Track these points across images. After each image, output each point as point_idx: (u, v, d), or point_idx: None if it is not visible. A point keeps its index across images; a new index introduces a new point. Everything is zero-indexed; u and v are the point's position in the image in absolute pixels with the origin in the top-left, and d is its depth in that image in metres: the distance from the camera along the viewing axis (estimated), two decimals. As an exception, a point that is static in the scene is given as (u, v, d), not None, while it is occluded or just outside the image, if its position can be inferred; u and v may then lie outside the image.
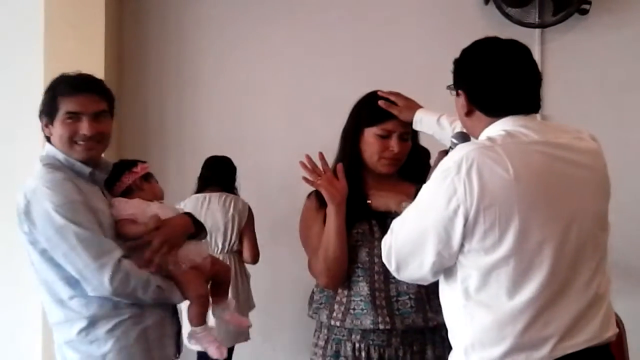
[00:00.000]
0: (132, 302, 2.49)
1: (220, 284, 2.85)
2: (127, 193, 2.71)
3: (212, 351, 2.74)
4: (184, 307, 2.74)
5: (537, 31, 4.76)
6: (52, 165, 2.50)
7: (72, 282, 2.44)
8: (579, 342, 1.97)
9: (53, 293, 2.49)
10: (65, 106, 2.51)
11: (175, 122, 5.09)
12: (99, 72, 2.59)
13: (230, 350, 4.22)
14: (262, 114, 4.97)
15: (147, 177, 2.79)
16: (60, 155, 2.52)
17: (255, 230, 4.40)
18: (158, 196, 2.79)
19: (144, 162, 2.80)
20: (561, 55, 4.76)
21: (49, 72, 4.35)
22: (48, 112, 2.54)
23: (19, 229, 2.47)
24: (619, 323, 3.14)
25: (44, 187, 2.42)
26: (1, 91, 4.75)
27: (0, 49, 4.77)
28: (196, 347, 3.82)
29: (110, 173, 2.68)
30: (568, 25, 4.73)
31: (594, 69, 4.73)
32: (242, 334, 4.22)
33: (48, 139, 2.57)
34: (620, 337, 3.33)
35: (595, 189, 2.07)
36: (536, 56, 4.54)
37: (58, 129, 2.51)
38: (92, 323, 2.47)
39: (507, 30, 4.38)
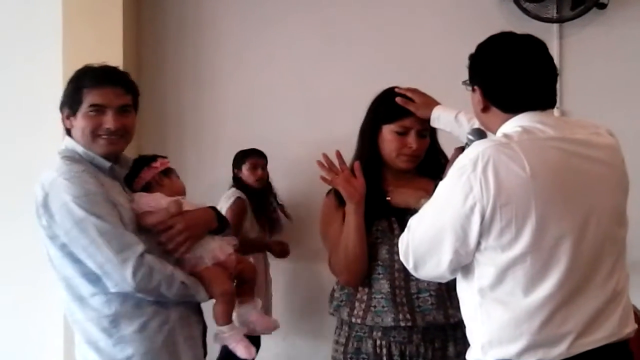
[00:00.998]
0: (155, 299, 2.40)
1: (245, 283, 2.78)
2: (147, 189, 2.65)
3: (240, 351, 2.65)
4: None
5: (555, 26, 4.72)
6: (70, 158, 2.42)
7: (93, 279, 2.35)
8: (597, 338, 1.97)
9: (73, 290, 2.40)
10: (90, 98, 2.43)
11: (193, 119, 5.09)
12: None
13: (257, 343, 4.06)
14: (279, 111, 4.96)
15: (167, 172, 2.73)
16: (80, 149, 2.45)
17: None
18: (179, 192, 2.72)
19: (164, 157, 2.75)
20: (580, 50, 4.72)
21: (68, 68, 4.37)
22: (71, 103, 2.46)
23: (37, 222, 2.39)
24: (639, 318, 3.13)
25: (62, 178, 2.33)
26: (20, 87, 4.78)
27: (19, 45, 4.80)
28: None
29: (130, 169, 2.62)
30: (586, 19, 4.69)
31: (613, 63, 4.69)
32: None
33: (68, 132, 2.50)
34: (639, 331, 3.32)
35: (612, 184, 2.06)
36: (554, 51, 4.57)
37: (81, 122, 2.44)
38: (115, 322, 2.38)
39: (525, 25, 4.36)
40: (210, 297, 2.58)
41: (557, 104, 4.29)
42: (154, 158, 2.73)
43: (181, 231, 2.52)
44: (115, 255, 2.30)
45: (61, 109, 2.51)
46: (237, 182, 4.56)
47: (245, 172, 4.52)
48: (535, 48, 2.10)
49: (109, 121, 2.44)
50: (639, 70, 4.66)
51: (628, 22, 4.68)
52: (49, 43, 4.66)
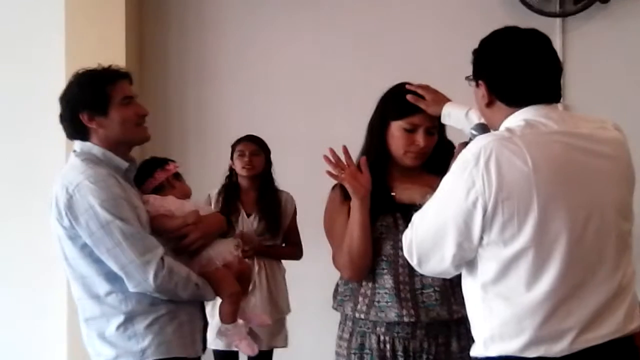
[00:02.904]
0: (170, 298, 2.51)
1: (242, 283, 2.85)
2: (159, 190, 2.73)
3: (243, 348, 2.82)
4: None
5: (559, 20, 4.72)
6: (91, 160, 2.50)
7: (111, 278, 2.46)
8: (601, 334, 1.96)
9: (89, 289, 2.50)
10: (120, 91, 2.54)
11: (196, 116, 5.10)
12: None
13: (269, 355, 4.07)
14: (282, 108, 4.97)
15: (178, 176, 2.82)
16: (98, 150, 2.53)
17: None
18: (187, 195, 2.82)
19: (174, 161, 2.84)
20: (583, 45, 4.72)
21: (70, 68, 4.32)
22: (94, 104, 2.51)
23: (57, 222, 2.46)
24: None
25: (88, 182, 2.41)
26: (23, 86, 4.79)
27: (21, 46, 4.81)
28: (218, 346, 3.87)
29: (141, 169, 2.71)
30: (589, 13, 4.69)
31: (616, 57, 4.69)
32: (275, 339, 4.05)
33: (84, 135, 2.54)
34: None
35: (617, 179, 2.05)
36: (557, 46, 4.53)
37: (119, 114, 2.52)
38: (130, 319, 2.49)
39: (528, 20, 4.36)
40: (218, 297, 2.70)
41: (561, 99, 4.37)
42: (167, 161, 2.81)
43: (198, 239, 2.65)
44: (138, 257, 2.41)
45: (78, 113, 2.52)
46: (230, 175, 4.25)
47: (235, 160, 4.19)
48: (539, 42, 2.10)
49: (141, 108, 2.60)
50: (643, 64, 4.65)
51: (631, 17, 4.68)
52: (51, 42, 4.67)
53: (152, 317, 2.50)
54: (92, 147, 2.53)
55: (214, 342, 3.76)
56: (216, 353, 4.07)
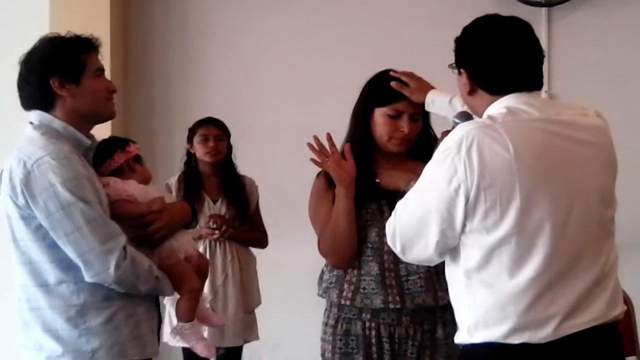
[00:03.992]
0: (127, 291, 2.30)
1: (200, 278, 2.63)
2: (117, 174, 2.51)
3: (199, 349, 2.57)
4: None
5: (544, 9, 4.72)
6: (51, 134, 2.29)
7: (64, 266, 2.24)
8: (584, 321, 1.97)
9: (37, 275, 2.27)
10: (93, 63, 2.37)
11: (182, 104, 5.06)
12: (104, 59, 2.51)
13: (239, 351, 3.97)
14: (268, 97, 4.96)
15: (138, 158, 2.60)
16: (58, 124, 2.32)
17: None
18: (148, 179, 2.60)
19: (135, 142, 2.62)
20: (568, 34, 4.72)
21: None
22: (67, 70, 2.32)
23: (9, 199, 2.24)
24: (627, 301, 3.15)
25: (49, 157, 2.20)
26: (3, 78, 4.74)
27: (3, 37, 4.75)
28: (180, 344, 3.43)
29: (99, 150, 2.47)
30: (575, 3, 4.68)
31: (602, 47, 4.70)
32: (247, 333, 3.94)
33: (47, 104, 2.33)
34: (629, 315, 3.33)
35: (599, 165, 2.05)
36: (543, 35, 4.57)
37: (92, 84, 2.34)
38: (81, 313, 2.27)
39: (514, 9, 4.33)
40: (176, 292, 2.52)
41: (546, 88, 4.39)
42: (127, 142, 2.60)
43: (162, 228, 2.46)
44: (99, 244, 2.20)
45: (48, 78, 2.31)
46: (188, 160, 4.03)
47: (196, 145, 3.96)
48: (520, 30, 2.10)
49: (112, 84, 2.44)
50: (627, 53, 4.67)
51: (616, 6, 4.69)
52: (35, 30, 4.61)
53: (106, 313, 2.28)
54: (52, 119, 2.31)
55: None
56: (186, 352, 3.84)
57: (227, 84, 5.03)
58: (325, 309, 2.70)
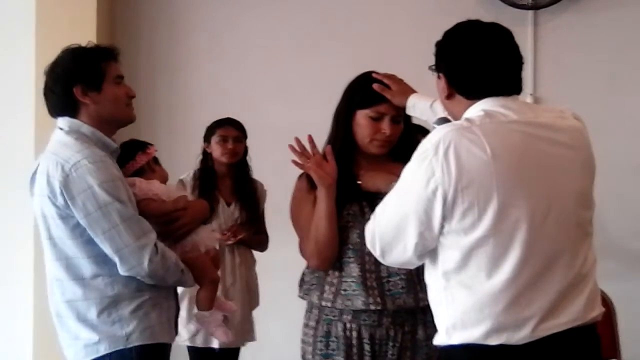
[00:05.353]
0: (157, 283, 2.51)
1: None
2: (139, 174, 2.71)
3: (219, 334, 2.89)
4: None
5: (531, 13, 4.72)
6: (82, 139, 2.46)
7: (100, 261, 2.44)
8: (562, 322, 1.98)
9: (73, 270, 2.46)
10: (113, 70, 2.54)
11: (167, 103, 5.08)
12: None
13: (236, 353, 3.98)
14: (254, 96, 4.95)
15: (156, 160, 2.81)
16: (87, 129, 2.49)
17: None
18: (165, 179, 2.82)
19: (152, 144, 2.81)
20: (554, 37, 4.73)
21: (40, 52, 4.34)
22: (89, 78, 2.49)
23: (48, 200, 2.41)
24: (607, 302, 3.16)
25: (86, 161, 2.38)
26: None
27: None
28: (195, 344, 3.78)
29: (121, 151, 2.65)
30: (562, 6, 4.70)
31: (588, 50, 4.71)
32: (248, 334, 3.97)
33: (73, 111, 2.50)
34: (609, 317, 3.34)
35: (577, 167, 2.07)
36: (529, 38, 4.58)
37: (112, 91, 2.52)
38: (115, 303, 2.46)
39: (500, 12, 4.36)
40: (197, 283, 2.73)
41: (531, 90, 4.40)
42: (146, 144, 2.79)
43: (186, 224, 2.70)
44: (134, 240, 2.40)
45: (71, 86, 2.48)
46: (204, 159, 4.01)
47: (214, 145, 3.95)
48: (499, 36, 2.11)
49: (131, 90, 2.61)
50: (613, 58, 4.69)
51: (603, 10, 4.70)
52: (21, 27, 4.61)
53: (137, 302, 2.48)
54: (80, 125, 2.49)
55: (190, 339, 3.76)
56: (192, 350, 3.90)
57: (214, 84, 5.04)
58: (306, 311, 2.70)
